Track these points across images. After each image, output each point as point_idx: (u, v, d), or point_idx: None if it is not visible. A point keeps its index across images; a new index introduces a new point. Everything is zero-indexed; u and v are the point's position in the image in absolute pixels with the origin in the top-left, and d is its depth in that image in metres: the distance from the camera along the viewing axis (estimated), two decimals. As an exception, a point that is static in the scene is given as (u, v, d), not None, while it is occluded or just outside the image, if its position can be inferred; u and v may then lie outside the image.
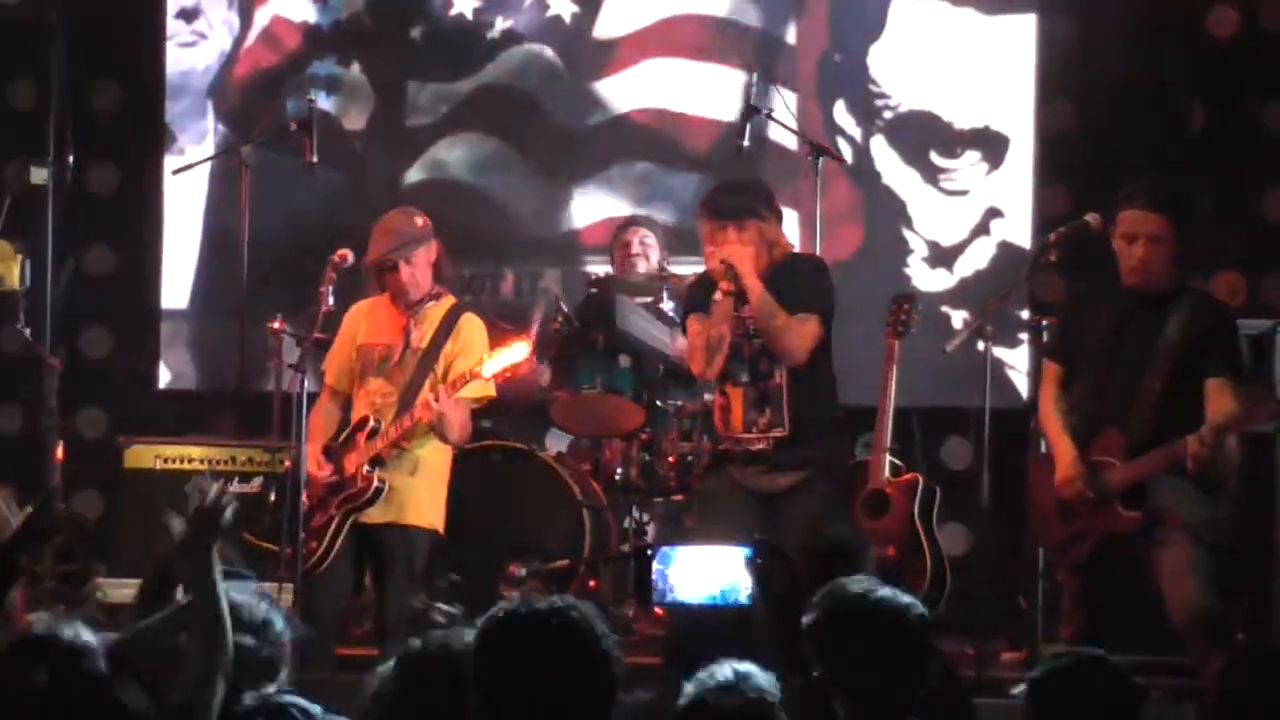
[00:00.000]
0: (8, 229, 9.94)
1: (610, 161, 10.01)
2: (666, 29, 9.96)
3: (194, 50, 10.56)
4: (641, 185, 9.99)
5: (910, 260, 9.71)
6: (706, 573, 6.60)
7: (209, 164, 9.95)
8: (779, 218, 7.59)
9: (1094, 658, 4.31)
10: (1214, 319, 7.04)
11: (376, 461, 7.79)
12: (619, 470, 8.90)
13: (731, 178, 8.35)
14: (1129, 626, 7.08)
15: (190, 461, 8.91)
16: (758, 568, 6.33)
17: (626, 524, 8.98)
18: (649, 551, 7.07)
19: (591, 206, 10.07)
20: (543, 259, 10.09)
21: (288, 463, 8.06)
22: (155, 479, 8.84)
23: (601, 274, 9.35)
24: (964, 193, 9.80)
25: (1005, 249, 9.66)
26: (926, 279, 9.70)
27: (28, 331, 9.56)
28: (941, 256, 9.74)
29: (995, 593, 8.19)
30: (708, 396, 7.62)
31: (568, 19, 10.09)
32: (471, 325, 7.97)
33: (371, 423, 7.83)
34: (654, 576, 6.69)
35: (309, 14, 10.34)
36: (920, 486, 8.35)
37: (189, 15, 10.51)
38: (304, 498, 7.78)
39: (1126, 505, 6.85)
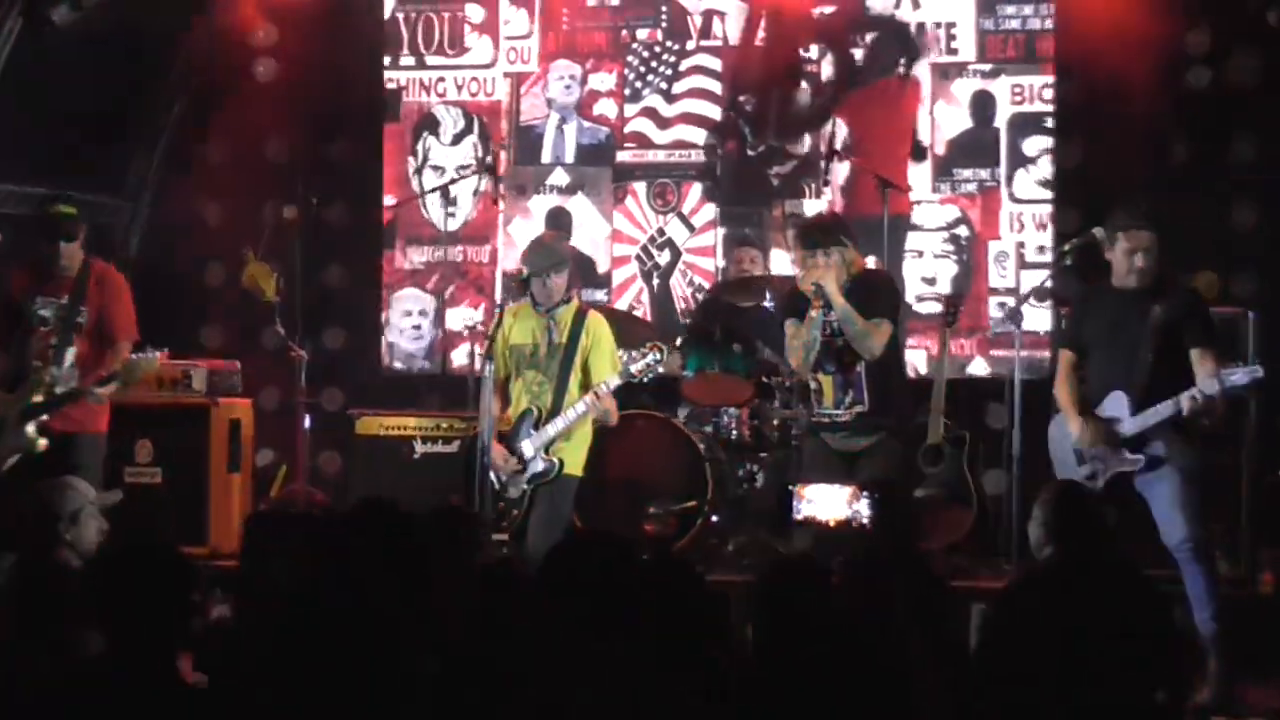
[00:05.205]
0: (267, 254, 10.04)
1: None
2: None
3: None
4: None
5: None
6: (832, 501, 6.76)
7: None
8: (854, 241, 7.51)
9: None
10: (1190, 301, 6.95)
11: (548, 446, 7.55)
12: (734, 432, 8.80)
13: (816, 214, 8.42)
14: (1131, 545, 7.00)
15: (406, 429, 8.86)
16: (878, 501, 6.44)
17: (740, 474, 8.86)
18: (790, 486, 7.10)
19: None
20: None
21: (475, 428, 7.66)
22: (380, 442, 8.89)
23: (719, 281, 9.35)
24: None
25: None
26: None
27: (282, 331, 9.48)
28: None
29: (1025, 523, 8.05)
30: (811, 382, 7.52)
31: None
32: (598, 322, 7.69)
33: (535, 413, 7.57)
34: (794, 503, 6.82)
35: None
36: (967, 440, 8.36)
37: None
38: (494, 476, 7.48)
39: (1131, 450, 6.76)
